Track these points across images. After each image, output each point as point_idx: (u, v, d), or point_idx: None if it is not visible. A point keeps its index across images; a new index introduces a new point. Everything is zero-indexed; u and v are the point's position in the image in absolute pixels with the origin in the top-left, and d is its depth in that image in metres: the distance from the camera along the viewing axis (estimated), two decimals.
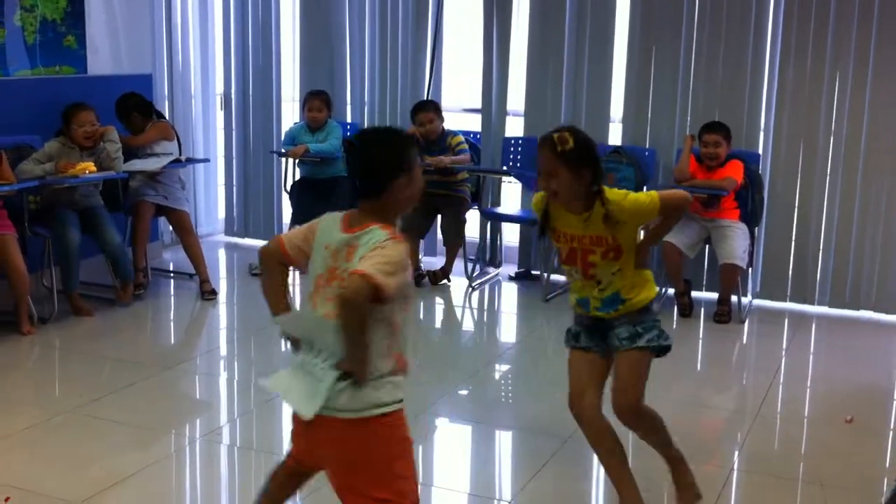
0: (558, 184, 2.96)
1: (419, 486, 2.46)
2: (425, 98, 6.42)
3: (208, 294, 5.70)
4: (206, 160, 6.70)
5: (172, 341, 5.31)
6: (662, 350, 3.14)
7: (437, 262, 6.42)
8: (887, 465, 3.80)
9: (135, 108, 5.80)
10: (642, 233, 3.19)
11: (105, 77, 6.00)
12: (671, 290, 5.75)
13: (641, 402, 3.13)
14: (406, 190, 2.42)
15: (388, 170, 2.39)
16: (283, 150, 6.44)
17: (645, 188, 5.86)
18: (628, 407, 3.11)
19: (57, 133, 5.35)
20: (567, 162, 2.93)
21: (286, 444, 3.82)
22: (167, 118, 6.31)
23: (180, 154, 5.96)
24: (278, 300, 2.53)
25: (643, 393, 3.13)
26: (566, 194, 2.98)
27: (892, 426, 4.25)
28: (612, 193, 3.01)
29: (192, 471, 3.64)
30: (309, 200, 6.38)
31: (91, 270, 5.63)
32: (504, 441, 4.04)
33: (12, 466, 3.49)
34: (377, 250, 2.30)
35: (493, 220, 6.38)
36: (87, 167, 5.14)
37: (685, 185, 5.50)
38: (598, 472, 3.73)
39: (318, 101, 6.37)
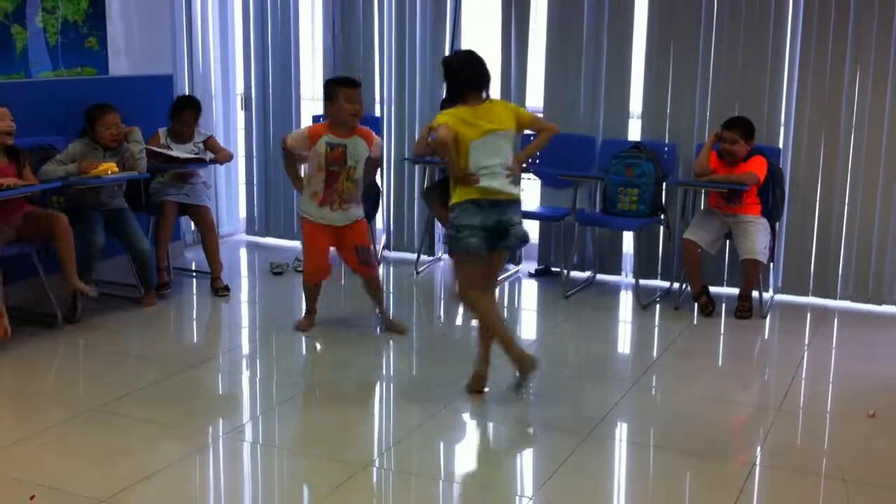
0: None
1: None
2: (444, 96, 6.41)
3: (221, 290, 5.73)
4: None
5: (195, 340, 5.35)
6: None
7: None
8: None
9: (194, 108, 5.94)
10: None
11: (126, 78, 6.05)
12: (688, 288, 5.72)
13: (460, 288, 4.15)
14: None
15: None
16: None
17: (665, 183, 5.86)
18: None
19: (80, 134, 5.39)
20: None
21: (308, 442, 3.85)
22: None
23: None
24: None
25: (460, 282, 4.15)
26: None
27: None
28: None
29: (216, 468, 3.66)
30: None
31: (116, 270, 5.68)
32: (524, 438, 4.04)
33: (37, 464, 3.53)
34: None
35: None
36: (110, 167, 5.17)
37: (704, 179, 5.49)
38: (617, 469, 3.74)
39: None
